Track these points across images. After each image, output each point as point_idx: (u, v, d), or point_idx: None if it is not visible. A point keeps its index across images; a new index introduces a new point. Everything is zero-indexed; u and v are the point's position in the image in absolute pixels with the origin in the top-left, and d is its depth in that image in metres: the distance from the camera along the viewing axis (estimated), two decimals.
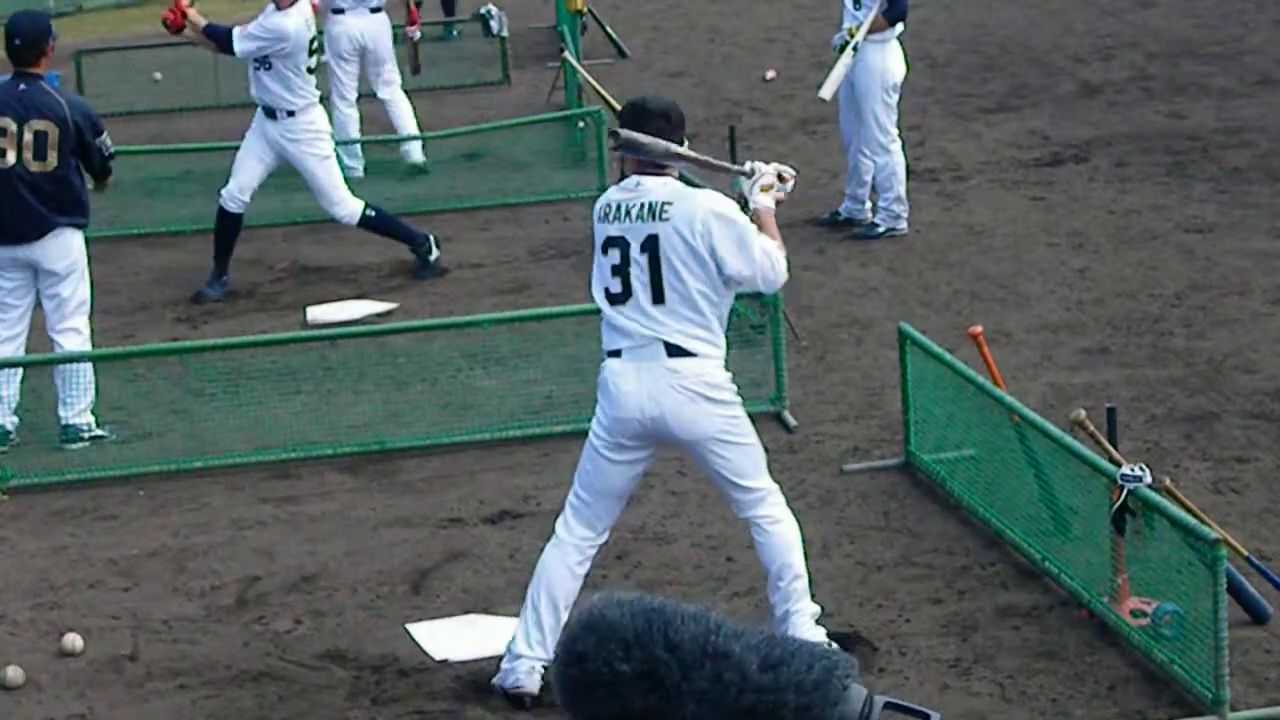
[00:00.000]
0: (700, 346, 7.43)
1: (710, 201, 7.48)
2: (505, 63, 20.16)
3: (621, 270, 7.44)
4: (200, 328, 12.84)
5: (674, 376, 7.43)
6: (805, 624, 7.78)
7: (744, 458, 7.65)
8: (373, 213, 13.54)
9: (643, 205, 7.43)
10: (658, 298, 7.39)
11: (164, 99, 19.98)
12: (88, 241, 11.13)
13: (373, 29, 16.42)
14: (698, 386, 7.44)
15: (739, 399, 7.65)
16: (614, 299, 7.48)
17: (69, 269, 10.79)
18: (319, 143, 13.36)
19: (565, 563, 7.70)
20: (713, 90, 19.34)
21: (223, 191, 13.45)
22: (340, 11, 16.37)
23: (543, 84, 19.27)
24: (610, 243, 7.48)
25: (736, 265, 7.37)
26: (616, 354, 7.52)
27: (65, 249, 10.76)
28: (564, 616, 7.70)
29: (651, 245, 7.38)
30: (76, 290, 10.86)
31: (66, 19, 26.04)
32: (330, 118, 15.51)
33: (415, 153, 16.52)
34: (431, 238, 13.72)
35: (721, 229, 7.37)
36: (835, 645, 7.74)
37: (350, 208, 13.47)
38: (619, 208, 7.48)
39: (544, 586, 7.68)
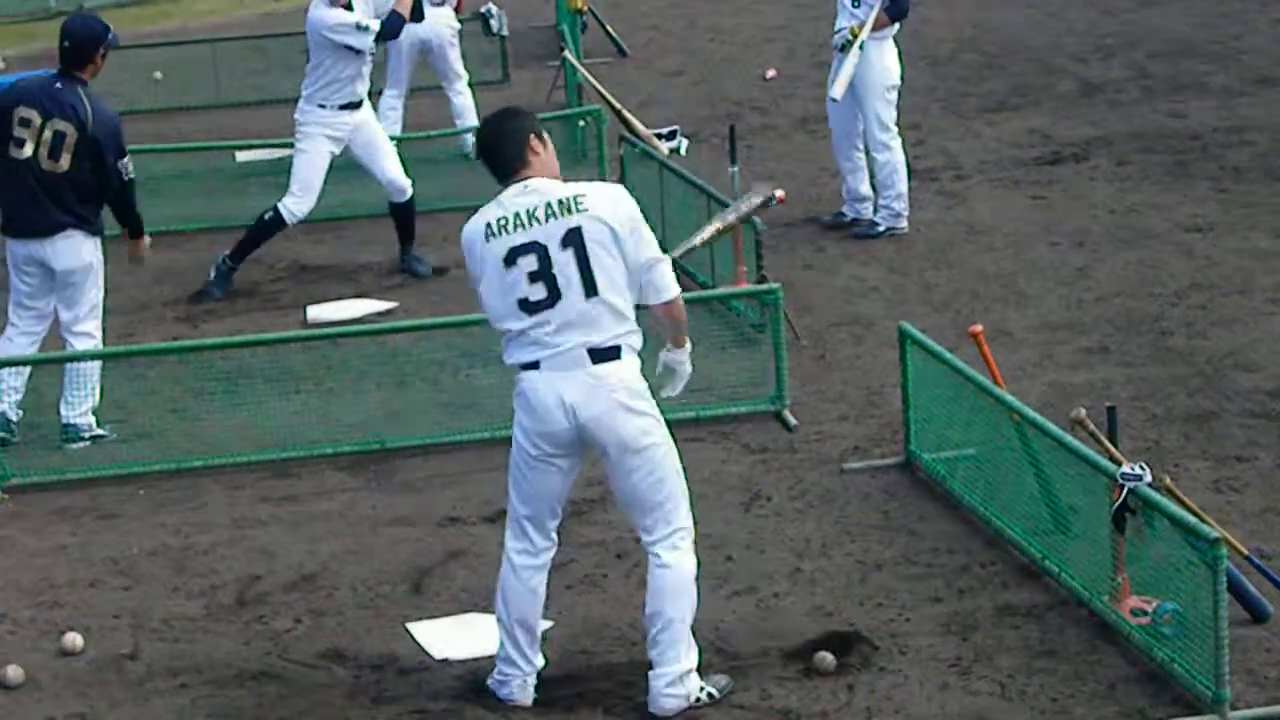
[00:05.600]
0: (625, 339, 7.30)
1: (624, 196, 7.41)
2: (505, 62, 20.17)
3: (543, 274, 7.26)
4: (200, 327, 12.84)
5: (597, 383, 7.28)
6: (660, 686, 7.48)
7: (655, 472, 7.40)
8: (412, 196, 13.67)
9: (549, 205, 7.27)
10: (590, 290, 7.25)
11: (164, 98, 19.98)
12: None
13: (434, 23, 16.45)
14: (619, 394, 7.29)
15: (659, 415, 7.42)
16: (537, 306, 7.27)
17: (80, 273, 10.73)
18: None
19: (523, 586, 7.57)
20: (713, 90, 19.34)
21: (290, 206, 13.33)
22: None
23: (543, 83, 19.27)
24: (519, 252, 7.27)
25: (643, 254, 7.34)
26: (534, 365, 7.34)
27: (75, 252, 10.69)
28: (539, 627, 7.67)
29: (575, 238, 7.24)
30: (86, 294, 10.79)
31: (66, 19, 26.04)
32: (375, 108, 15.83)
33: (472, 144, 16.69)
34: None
35: (637, 228, 7.33)
36: (715, 693, 7.58)
37: (404, 178, 13.58)
38: (516, 216, 7.30)
39: (512, 612, 7.58)
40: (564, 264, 7.27)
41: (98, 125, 10.62)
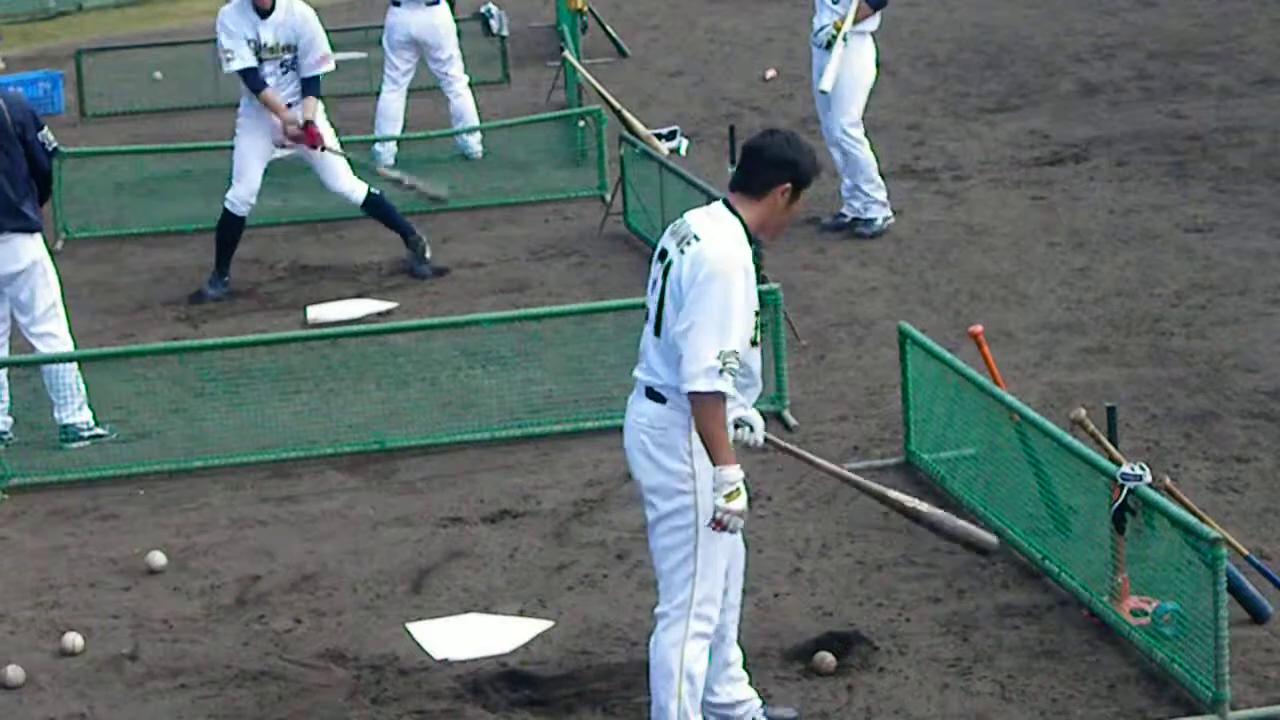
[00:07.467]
0: (672, 394, 6.94)
1: (718, 259, 6.86)
2: (505, 62, 20.16)
3: (653, 291, 7.07)
4: (200, 327, 12.83)
5: (637, 417, 7.05)
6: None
7: (662, 540, 7.02)
8: (377, 192, 13.61)
9: (687, 233, 6.96)
10: (657, 329, 7.02)
11: (164, 99, 19.97)
12: (58, 244, 10.97)
13: (428, 24, 16.51)
14: (645, 434, 6.99)
15: (689, 485, 6.94)
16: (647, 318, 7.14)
17: (25, 274, 10.57)
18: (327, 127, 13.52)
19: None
20: (713, 90, 19.34)
21: (230, 196, 13.42)
22: (397, 4, 16.53)
23: (543, 83, 19.28)
24: (654, 266, 7.08)
25: (679, 326, 6.86)
26: None
27: (14, 254, 10.53)
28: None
29: (668, 272, 6.96)
30: (38, 294, 10.63)
31: (66, 18, 26.10)
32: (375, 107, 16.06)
33: (473, 144, 16.70)
34: (423, 239, 13.76)
35: (702, 291, 6.82)
36: None
37: (356, 184, 13.55)
38: (673, 230, 7.06)
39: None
40: (657, 291, 7.02)
41: (15, 110, 10.52)
